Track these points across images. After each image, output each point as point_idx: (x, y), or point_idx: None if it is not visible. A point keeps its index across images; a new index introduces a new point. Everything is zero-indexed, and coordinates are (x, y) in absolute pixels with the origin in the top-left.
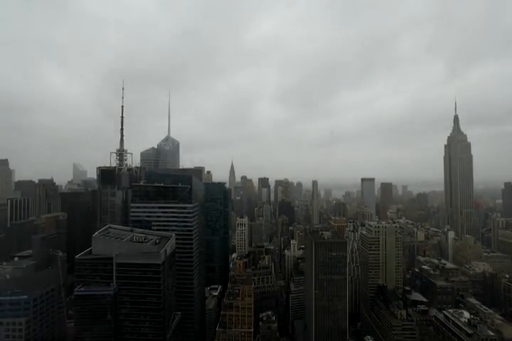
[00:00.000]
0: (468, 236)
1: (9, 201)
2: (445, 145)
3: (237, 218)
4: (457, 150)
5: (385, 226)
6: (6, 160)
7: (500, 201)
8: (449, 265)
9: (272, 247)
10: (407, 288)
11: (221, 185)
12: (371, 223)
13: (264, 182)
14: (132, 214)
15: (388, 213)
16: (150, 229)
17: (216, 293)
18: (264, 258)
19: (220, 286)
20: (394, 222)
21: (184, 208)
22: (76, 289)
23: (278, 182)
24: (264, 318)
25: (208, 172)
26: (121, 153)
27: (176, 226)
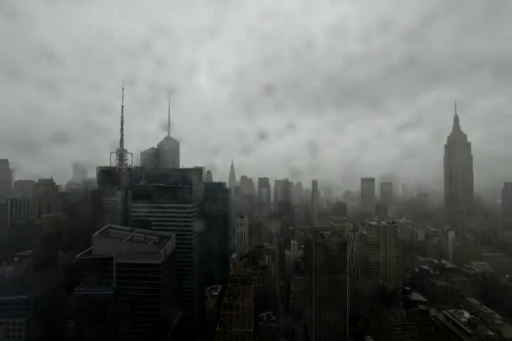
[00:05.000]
0: (468, 236)
1: (9, 201)
2: (445, 145)
3: (237, 218)
4: (457, 150)
5: (385, 226)
6: (6, 160)
7: (500, 201)
8: (449, 265)
9: (272, 247)
10: (407, 288)
11: (221, 185)
12: (371, 223)
13: (264, 182)
14: (132, 214)
15: (388, 213)
16: (150, 229)
17: (216, 293)
18: (264, 258)
19: (220, 286)
20: (394, 222)
21: (184, 208)
22: (76, 289)
23: (278, 182)
24: (264, 318)
25: (208, 172)
26: (121, 153)
27: (176, 226)
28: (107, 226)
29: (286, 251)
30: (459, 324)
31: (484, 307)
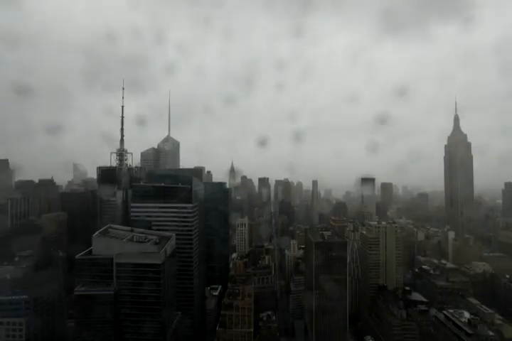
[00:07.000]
0: (468, 236)
1: (9, 201)
2: (445, 145)
3: (237, 218)
4: (457, 150)
5: (385, 227)
6: (7, 160)
7: (500, 201)
8: (449, 265)
9: (272, 247)
10: (407, 288)
11: (221, 185)
12: (371, 223)
13: (264, 182)
14: (132, 214)
15: (388, 213)
16: (150, 229)
17: (216, 293)
18: (264, 258)
19: (220, 286)
20: (394, 222)
21: (184, 208)
22: (76, 289)
23: (278, 182)
24: (264, 318)
25: (208, 172)
26: (121, 153)
27: (176, 226)
28: (107, 226)
29: (286, 251)
30: (459, 324)
31: (484, 307)
